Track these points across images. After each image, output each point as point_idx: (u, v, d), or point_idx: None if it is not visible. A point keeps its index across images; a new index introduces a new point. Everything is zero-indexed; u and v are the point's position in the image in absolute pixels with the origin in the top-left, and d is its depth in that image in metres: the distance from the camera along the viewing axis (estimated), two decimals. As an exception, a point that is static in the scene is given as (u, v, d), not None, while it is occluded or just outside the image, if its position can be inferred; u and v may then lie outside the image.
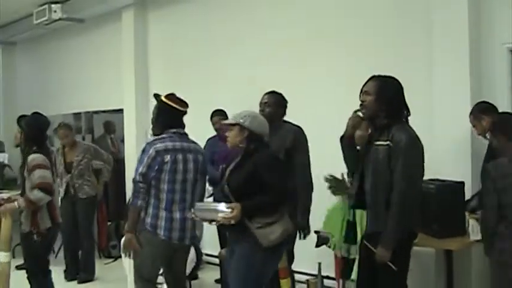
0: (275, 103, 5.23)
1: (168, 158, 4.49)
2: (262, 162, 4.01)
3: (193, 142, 4.71)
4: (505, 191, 3.99)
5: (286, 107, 5.31)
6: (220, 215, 3.93)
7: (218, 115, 6.74)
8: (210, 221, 4.08)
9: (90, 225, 7.39)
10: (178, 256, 4.71)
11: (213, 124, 6.78)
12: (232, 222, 3.93)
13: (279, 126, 5.15)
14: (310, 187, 5.11)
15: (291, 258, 5.17)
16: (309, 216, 5.13)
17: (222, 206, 3.96)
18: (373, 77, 3.94)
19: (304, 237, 5.10)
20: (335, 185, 4.68)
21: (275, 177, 3.98)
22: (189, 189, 4.59)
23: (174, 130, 4.61)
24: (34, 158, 5.09)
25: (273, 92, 5.32)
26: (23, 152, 5.31)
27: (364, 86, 3.94)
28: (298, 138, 5.15)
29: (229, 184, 4.11)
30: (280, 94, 5.32)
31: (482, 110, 4.87)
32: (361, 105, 3.94)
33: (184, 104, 4.67)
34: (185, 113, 4.67)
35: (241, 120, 4.09)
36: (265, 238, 3.93)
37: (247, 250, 4.02)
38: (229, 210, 3.90)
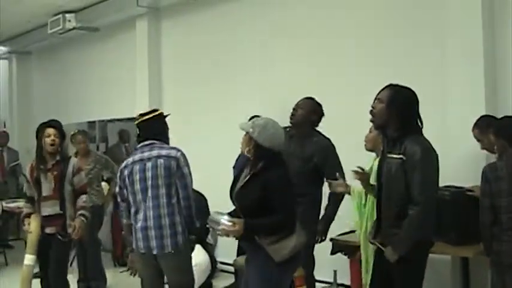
0: (308, 108, 5.17)
1: (125, 172, 4.62)
2: (272, 184, 3.87)
3: (161, 148, 4.58)
4: (498, 193, 4.12)
5: (320, 116, 5.25)
6: (220, 227, 3.90)
7: None
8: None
9: (94, 234, 7.38)
10: (163, 266, 4.61)
11: None
12: (232, 236, 3.93)
13: (308, 135, 5.15)
14: (340, 199, 5.09)
15: (311, 263, 5.17)
16: (329, 226, 5.17)
17: (224, 219, 3.91)
18: (388, 86, 3.91)
19: (319, 242, 5.17)
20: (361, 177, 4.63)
21: (283, 200, 3.89)
22: (152, 195, 4.50)
23: (140, 144, 4.68)
24: (76, 160, 5.53)
25: (311, 98, 5.27)
26: (59, 155, 5.42)
27: (378, 93, 3.92)
28: (328, 154, 5.12)
29: (238, 202, 4.08)
30: (319, 103, 5.26)
31: (488, 125, 4.75)
32: (371, 112, 3.92)
33: (138, 116, 4.75)
34: (140, 123, 4.70)
35: (250, 130, 3.98)
36: (277, 254, 3.87)
37: (261, 265, 3.97)
38: (230, 224, 3.86)
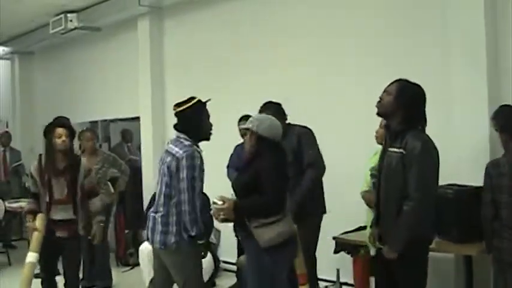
0: (273, 113, 5.07)
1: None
2: (264, 165, 4.05)
3: (177, 145, 4.50)
4: (499, 189, 4.14)
5: (284, 112, 5.34)
6: (213, 206, 4.10)
7: (244, 121, 6.72)
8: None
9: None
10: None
11: (240, 130, 6.75)
12: (222, 215, 4.07)
13: (288, 131, 5.20)
14: (316, 178, 5.20)
15: (312, 262, 5.19)
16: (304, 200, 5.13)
17: (215, 199, 4.12)
18: (398, 80, 3.95)
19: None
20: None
21: (272, 180, 4.01)
22: (158, 191, 4.58)
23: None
24: (85, 161, 5.55)
25: (268, 103, 5.37)
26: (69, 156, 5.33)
27: (387, 87, 3.95)
28: (302, 137, 5.24)
29: (234, 186, 4.31)
30: (275, 103, 5.35)
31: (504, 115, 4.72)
32: (378, 102, 3.95)
33: (174, 106, 4.65)
34: (176, 114, 4.61)
35: (250, 125, 4.19)
36: (260, 238, 3.98)
37: (253, 254, 4.13)
38: (221, 202, 4.05)
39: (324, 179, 5.37)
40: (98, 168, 7.09)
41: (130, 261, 8.25)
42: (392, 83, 3.94)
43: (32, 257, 5.11)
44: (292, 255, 4.30)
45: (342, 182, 5.74)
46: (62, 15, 9.21)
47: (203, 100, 4.63)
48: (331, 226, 5.37)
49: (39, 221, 5.16)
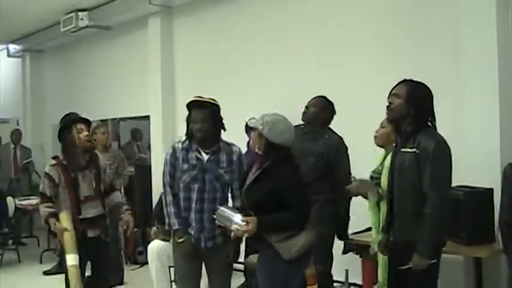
0: (320, 105, 5.22)
1: None
2: (284, 180, 3.87)
3: None
4: None
5: (331, 114, 5.28)
6: (234, 226, 3.89)
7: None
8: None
9: (115, 231, 7.39)
10: None
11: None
12: (246, 235, 3.92)
13: (321, 132, 5.18)
14: (348, 198, 5.11)
15: (328, 261, 5.22)
16: (347, 227, 5.21)
17: (237, 218, 3.91)
18: (403, 81, 3.91)
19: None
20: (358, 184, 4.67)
21: (297, 197, 3.89)
22: None
23: None
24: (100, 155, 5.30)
25: (322, 97, 5.31)
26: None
27: (393, 89, 3.91)
28: (339, 151, 5.14)
29: (248, 198, 4.04)
30: (330, 101, 5.30)
31: None
32: (388, 107, 3.91)
33: None
34: None
35: (260, 127, 3.96)
36: (286, 251, 3.85)
37: (270, 262, 3.95)
38: (244, 223, 3.85)
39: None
40: (110, 164, 7.07)
41: (139, 259, 8.26)
42: (398, 84, 3.91)
43: (72, 259, 4.74)
44: (308, 261, 4.19)
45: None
46: (73, 14, 9.25)
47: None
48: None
49: (65, 221, 4.83)
